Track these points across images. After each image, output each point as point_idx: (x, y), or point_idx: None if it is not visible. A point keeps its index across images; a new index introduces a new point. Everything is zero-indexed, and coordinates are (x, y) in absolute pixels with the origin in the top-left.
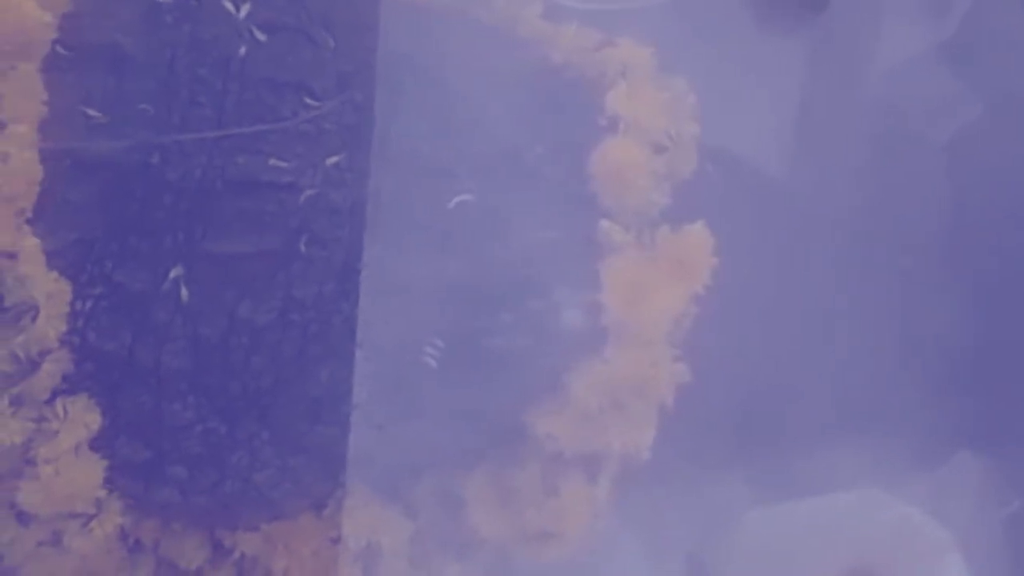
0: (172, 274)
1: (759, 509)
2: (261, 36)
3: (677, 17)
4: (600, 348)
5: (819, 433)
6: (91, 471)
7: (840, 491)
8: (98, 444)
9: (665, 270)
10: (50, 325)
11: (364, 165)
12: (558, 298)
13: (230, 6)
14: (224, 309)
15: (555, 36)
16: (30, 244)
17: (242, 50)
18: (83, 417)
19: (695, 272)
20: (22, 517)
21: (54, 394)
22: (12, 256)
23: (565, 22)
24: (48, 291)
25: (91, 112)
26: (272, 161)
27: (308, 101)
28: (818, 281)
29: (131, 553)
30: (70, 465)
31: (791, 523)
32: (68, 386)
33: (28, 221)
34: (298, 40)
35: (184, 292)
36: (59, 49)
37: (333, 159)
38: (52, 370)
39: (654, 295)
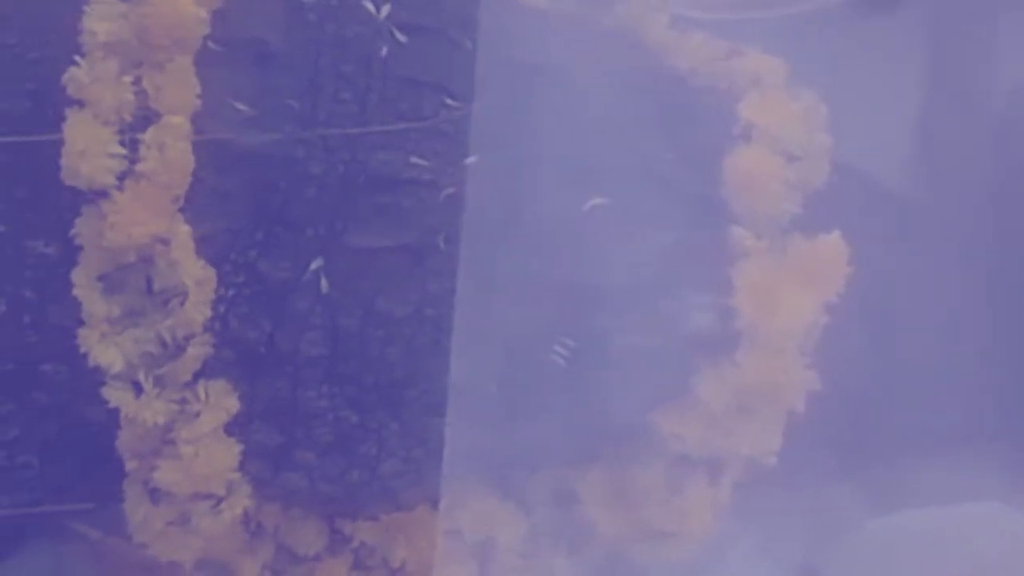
0: (313, 265)
1: (877, 519)
2: (402, 37)
3: (797, 29)
4: (730, 352)
5: (943, 444)
6: (228, 454)
7: (961, 503)
8: (232, 428)
9: (798, 278)
10: (197, 310)
11: (501, 167)
12: (689, 301)
13: (370, 6)
14: (362, 301)
15: (681, 45)
16: (182, 231)
17: (384, 50)
18: (223, 401)
19: (829, 281)
20: (155, 496)
21: (195, 377)
22: (166, 242)
23: (689, 32)
24: (197, 277)
25: (240, 106)
26: (413, 159)
27: (448, 101)
28: (944, 293)
29: (251, 537)
30: (209, 447)
31: (910, 534)
32: (208, 370)
33: (181, 209)
34: (437, 41)
35: (324, 283)
36: (210, 44)
37: (471, 159)
38: (196, 354)
39: (787, 302)
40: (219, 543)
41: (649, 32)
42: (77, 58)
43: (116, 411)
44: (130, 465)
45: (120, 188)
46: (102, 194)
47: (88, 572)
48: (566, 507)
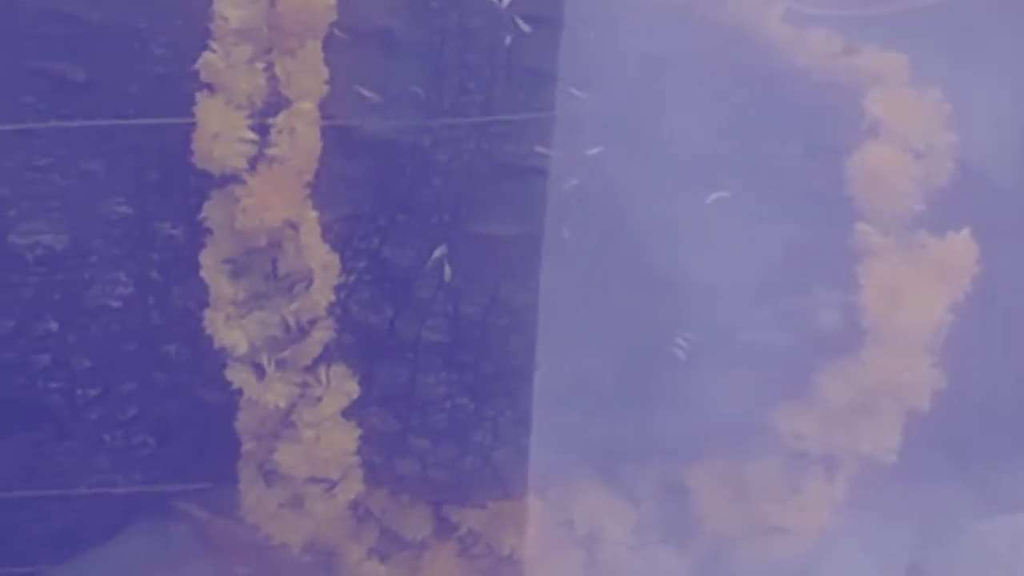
0: (437, 253)
1: (986, 520)
2: (525, 27)
3: (915, 25)
4: (856, 350)
5: None
6: (347, 438)
7: None
8: (350, 413)
9: (927, 276)
10: (322, 295)
11: (624, 158)
12: (816, 297)
13: None
14: (485, 289)
15: (798, 40)
16: (310, 216)
17: (507, 39)
18: (343, 385)
19: (957, 280)
20: (269, 477)
21: (315, 362)
22: (295, 227)
23: (804, 27)
24: (322, 262)
25: (366, 92)
26: (536, 148)
27: (572, 92)
28: None
29: (358, 521)
30: (330, 431)
31: (1018, 536)
32: (328, 355)
33: (309, 194)
34: (560, 32)
35: (448, 270)
36: (336, 31)
37: (594, 150)
38: (319, 338)
39: (914, 300)
40: (327, 527)
41: (763, 27)
42: (212, 43)
43: (233, 393)
44: (248, 446)
45: (251, 172)
46: (232, 178)
47: (194, 552)
48: (675, 500)
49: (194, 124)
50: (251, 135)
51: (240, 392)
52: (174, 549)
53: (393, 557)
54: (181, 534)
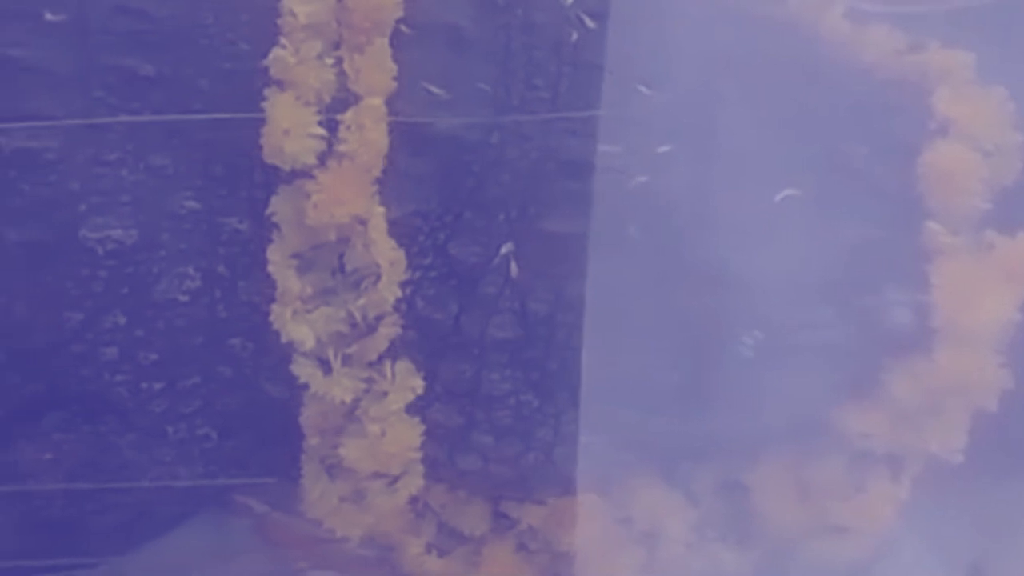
0: (503, 250)
1: None
2: (591, 23)
3: (972, 22)
4: (925, 349)
5: None
6: (412, 433)
7: None
8: (413, 408)
9: (997, 275)
10: (389, 291)
11: (691, 156)
12: (885, 296)
13: None
14: (552, 286)
15: (860, 37)
16: (378, 212)
17: (573, 35)
18: (408, 381)
19: None
20: (331, 471)
21: (380, 357)
22: (363, 222)
23: (868, 24)
24: (390, 259)
25: (434, 89)
26: (604, 146)
27: (640, 89)
28: None
29: (416, 516)
30: (395, 426)
31: None
32: (392, 351)
33: (377, 190)
34: (624, 28)
35: (514, 267)
36: (403, 28)
37: (663, 148)
38: (385, 334)
39: (985, 299)
40: (386, 521)
41: (824, 24)
42: (282, 39)
43: (295, 387)
44: (311, 441)
45: (321, 168)
46: (301, 173)
47: (252, 544)
48: (735, 499)
49: (261, 119)
50: (321, 131)
51: (303, 387)
52: (232, 542)
53: (451, 552)
54: (239, 527)
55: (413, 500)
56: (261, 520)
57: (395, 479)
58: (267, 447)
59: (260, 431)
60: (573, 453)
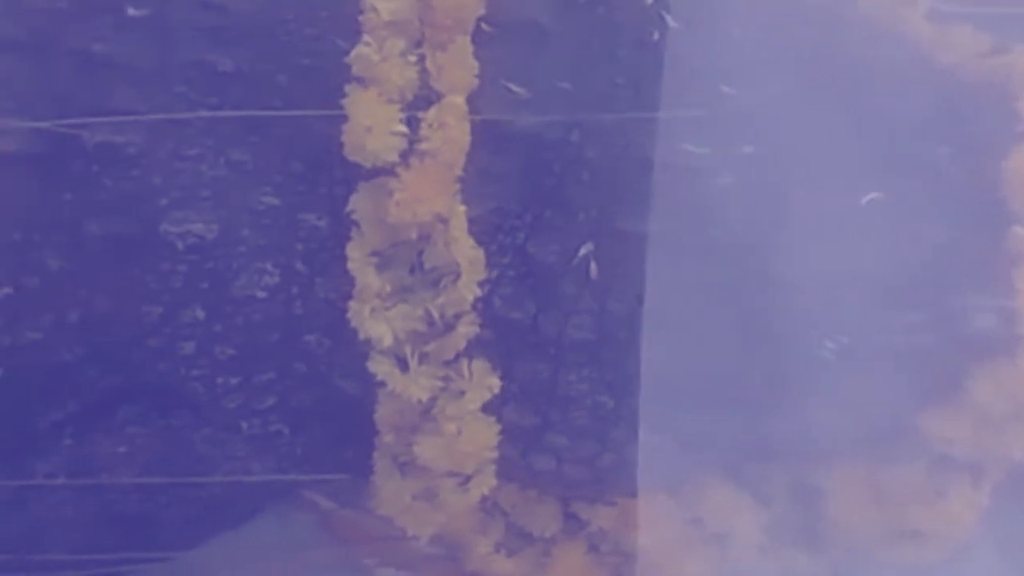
0: (583, 250)
1: None
2: (672, 22)
3: None
4: (1010, 354)
5: None
6: (488, 433)
7: None
8: (488, 408)
9: None
10: (468, 290)
11: (775, 157)
12: (970, 301)
13: None
14: (632, 287)
15: (942, 38)
16: (459, 210)
17: (655, 34)
18: (485, 380)
19: None
20: (404, 469)
21: (457, 356)
22: (445, 221)
23: (951, 25)
24: (469, 257)
25: (515, 88)
26: (687, 146)
27: (724, 89)
28: None
29: (486, 515)
30: (471, 426)
31: None
32: (470, 349)
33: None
34: (706, 28)
35: (593, 268)
36: (483, 26)
37: (747, 149)
38: (464, 333)
39: None
40: (456, 520)
41: (904, 25)
42: (365, 36)
43: (369, 385)
44: (385, 438)
45: (403, 166)
46: (381, 171)
47: (317, 540)
48: (808, 502)
49: (341, 116)
50: (403, 128)
51: (377, 384)
52: (298, 537)
53: (520, 552)
54: (305, 523)
55: (483, 499)
56: (327, 516)
57: (468, 478)
58: (338, 444)
59: (332, 428)
60: (646, 454)
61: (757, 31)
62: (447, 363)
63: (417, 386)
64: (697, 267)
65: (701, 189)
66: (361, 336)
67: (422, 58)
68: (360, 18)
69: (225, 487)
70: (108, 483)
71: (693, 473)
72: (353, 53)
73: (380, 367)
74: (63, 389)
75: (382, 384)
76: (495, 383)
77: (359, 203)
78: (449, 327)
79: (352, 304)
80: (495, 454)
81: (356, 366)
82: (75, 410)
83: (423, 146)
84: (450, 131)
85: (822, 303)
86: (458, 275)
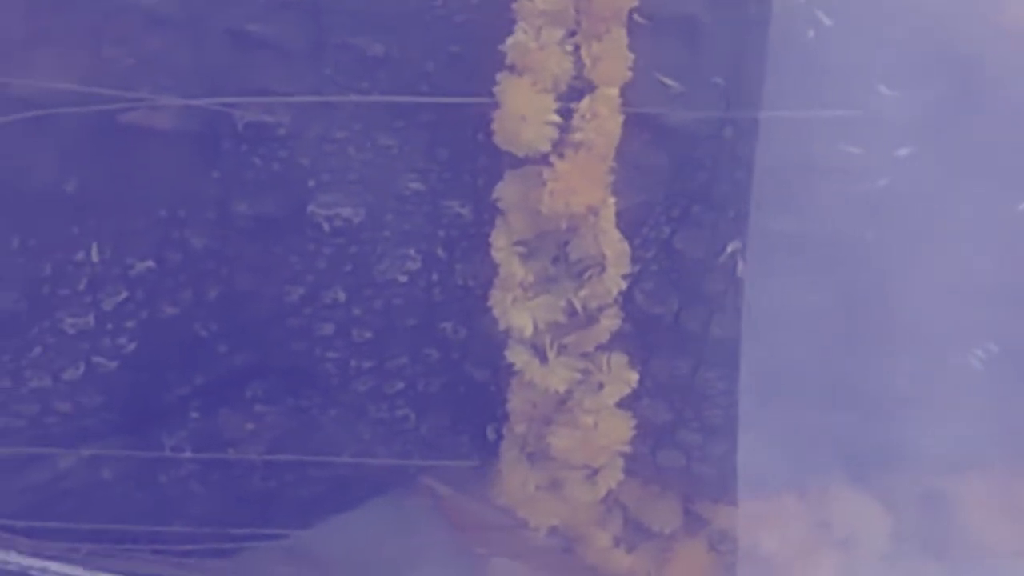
0: (730, 248)
1: None
2: (827, 20)
3: None
4: None
5: None
6: (623, 427)
7: None
8: (622, 402)
9: None
10: (613, 283)
11: (931, 160)
12: None
13: None
14: (780, 287)
15: None
16: (610, 202)
17: (810, 33)
18: (624, 374)
19: None
20: (532, 460)
21: (595, 349)
22: (595, 212)
23: None
24: (616, 250)
25: (668, 81)
26: (843, 147)
27: (882, 90)
28: None
29: (606, 509)
30: (607, 419)
31: None
32: (610, 343)
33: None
34: (861, 28)
35: (741, 266)
36: (637, 18)
37: (903, 151)
38: (607, 326)
39: None
40: (575, 513)
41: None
42: (520, 25)
43: (499, 374)
44: (517, 428)
45: (557, 156)
46: (528, 160)
47: (431, 526)
48: (938, 511)
49: (489, 104)
50: (557, 118)
51: (509, 373)
52: (413, 522)
53: (639, 547)
54: (420, 508)
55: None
56: (442, 503)
57: (596, 471)
58: (463, 431)
59: (457, 415)
60: (775, 455)
61: (912, 33)
62: (585, 355)
63: (555, 377)
64: (847, 269)
65: (855, 191)
66: (502, 325)
67: (576, 48)
68: (513, 6)
69: (349, 469)
70: (234, 459)
71: (822, 477)
72: (510, 41)
73: (519, 357)
74: (194, 364)
75: (513, 374)
76: (633, 377)
77: (505, 191)
78: (591, 319)
79: (494, 292)
80: (627, 449)
81: (488, 355)
82: (203, 384)
83: (576, 137)
84: (603, 122)
85: (975, 311)
86: (603, 267)
